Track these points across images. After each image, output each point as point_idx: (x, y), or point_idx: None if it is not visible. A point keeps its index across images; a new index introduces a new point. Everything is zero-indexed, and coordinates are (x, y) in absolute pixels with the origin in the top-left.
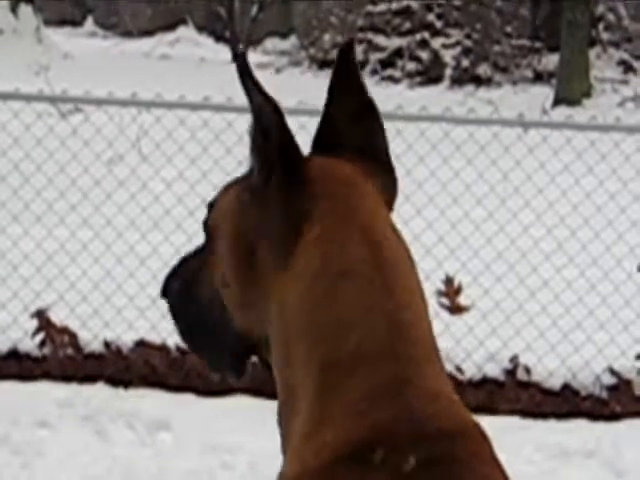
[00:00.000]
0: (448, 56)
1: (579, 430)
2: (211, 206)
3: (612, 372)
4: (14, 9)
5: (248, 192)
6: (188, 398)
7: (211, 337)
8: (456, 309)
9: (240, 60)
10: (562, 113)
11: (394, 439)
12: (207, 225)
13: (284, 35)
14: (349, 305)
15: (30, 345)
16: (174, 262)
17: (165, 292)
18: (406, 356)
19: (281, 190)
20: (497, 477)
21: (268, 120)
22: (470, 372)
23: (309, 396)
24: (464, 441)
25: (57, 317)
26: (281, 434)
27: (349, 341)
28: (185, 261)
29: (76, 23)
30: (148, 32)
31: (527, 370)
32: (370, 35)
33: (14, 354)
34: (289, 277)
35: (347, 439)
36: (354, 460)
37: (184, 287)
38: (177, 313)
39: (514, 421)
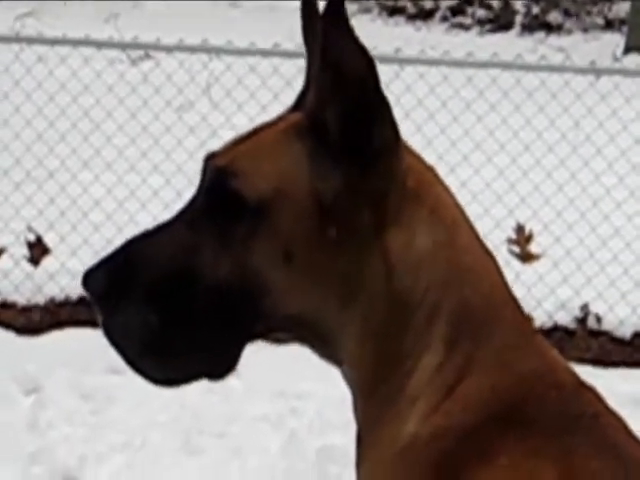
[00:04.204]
0: (518, 3)
1: None
2: (232, 172)
3: None
4: None
5: (322, 150)
6: (258, 345)
7: (211, 333)
8: (527, 257)
9: (337, 4)
10: (633, 61)
11: (542, 394)
12: (240, 195)
13: None
14: (470, 251)
15: None
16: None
17: (123, 286)
18: (518, 303)
19: (387, 145)
20: (625, 426)
21: (362, 71)
22: (540, 320)
23: (439, 349)
24: (591, 393)
25: None
26: (364, 417)
27: (481, 286)
28: (154, 247)
29: None
30: None
31: (598, 319)
32: None
33: (85, 300)
34: (400, 233)
35: (496, 394)
36: (506, 419)
37: (172, 277)
38: (153, 311)
39: (584, 369)
